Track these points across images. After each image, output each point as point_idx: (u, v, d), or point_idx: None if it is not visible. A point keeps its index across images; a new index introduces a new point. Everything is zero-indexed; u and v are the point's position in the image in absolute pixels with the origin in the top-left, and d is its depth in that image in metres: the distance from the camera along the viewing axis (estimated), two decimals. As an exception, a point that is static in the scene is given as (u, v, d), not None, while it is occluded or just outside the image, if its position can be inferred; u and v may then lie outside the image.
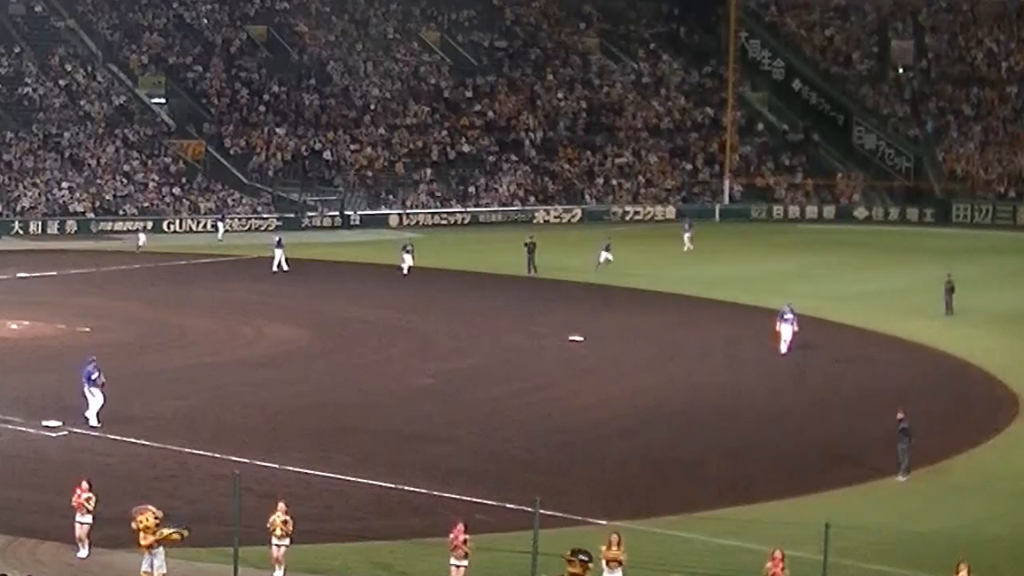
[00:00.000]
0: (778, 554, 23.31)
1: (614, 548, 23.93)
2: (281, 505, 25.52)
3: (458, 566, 24.68)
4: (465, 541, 24.50)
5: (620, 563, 23.97)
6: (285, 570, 25.33)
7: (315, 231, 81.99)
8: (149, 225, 78.54)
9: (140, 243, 72.29)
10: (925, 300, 57.75)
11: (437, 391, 42.24)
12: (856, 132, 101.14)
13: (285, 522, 25.29)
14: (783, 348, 47.50)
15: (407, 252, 65.00)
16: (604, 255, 66.07)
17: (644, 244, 79.04)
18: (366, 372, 44.89)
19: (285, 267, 65.30)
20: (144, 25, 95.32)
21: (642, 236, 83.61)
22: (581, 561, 22.49)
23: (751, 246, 75.60)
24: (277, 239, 67.34)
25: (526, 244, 66.19)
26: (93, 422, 35.90)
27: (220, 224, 79.09)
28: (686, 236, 74.94)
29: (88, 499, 26.36)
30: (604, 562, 23.74)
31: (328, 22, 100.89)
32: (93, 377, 36.28)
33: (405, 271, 64.39)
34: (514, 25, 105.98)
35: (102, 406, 36.12)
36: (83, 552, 26.54)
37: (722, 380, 44.42)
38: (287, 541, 25.40)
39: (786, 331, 47.57)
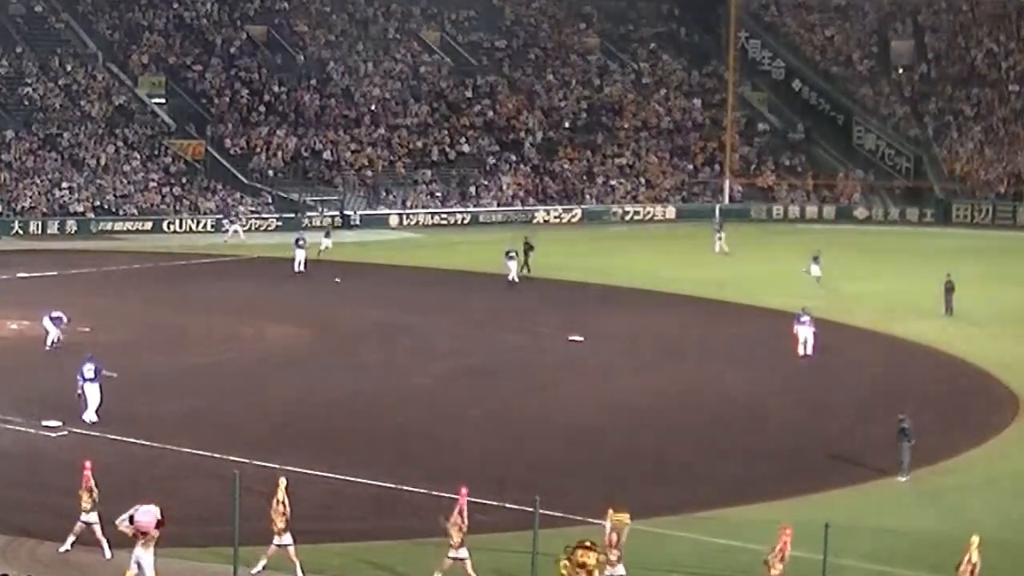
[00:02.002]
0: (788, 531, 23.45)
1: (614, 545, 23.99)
2: (283, 481, 25.58)
3: (456, 559, 24.71)
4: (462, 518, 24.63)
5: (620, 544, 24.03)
6: (302, 567, 25.45)
7: (315, 231, 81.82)
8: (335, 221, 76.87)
9: (323, 247, 69.02)
10: (925, 300, 57.75)
11: (437, 391, 42.25)
12: (856, 132, 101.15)
13: (282, 502, 25.34)
14: (800, 351, 47.36)
15: (511, 259, 62.23)
16: (814, 268, 62.48)
17: (660, 245, 79.11)
18: (366, 372, 44.90)
19: (301, 268, 64.94)
20: (144, 25, 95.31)
21: (649, 237, 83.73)
22: (588, 547, 22.67)
23: (751, 246, 75.58)
24: (296, 239, 66.96)
25: (523, 246, 66.14)
26: (92, 418, 35.88)
27: (237, 225, 79.03)
28: (717, 237, 74.72)
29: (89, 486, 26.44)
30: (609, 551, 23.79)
31: (328, 22, 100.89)
32: (88, 376, 36.23)
33: (516, 279, 61.84)
34: (514, 25, 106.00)
35: (100, 403, 36.12)
36: (65, 546, 26.63)
37: (722, 380, 44.40)
38: (288, 538, 25.45)
39: (805, 334, 47.48)
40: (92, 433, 35.27)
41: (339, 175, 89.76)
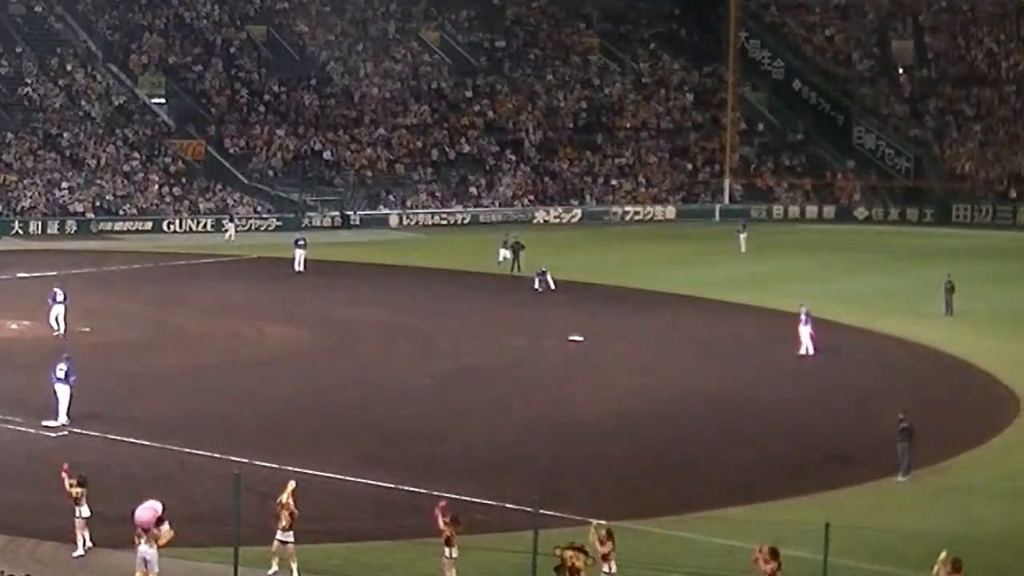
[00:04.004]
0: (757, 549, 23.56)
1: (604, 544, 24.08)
2: (292, 484, 25.68)
3: (450, 558, 24.78)
4: (450, 522, 24.64)
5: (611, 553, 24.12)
6: (298, 568, 25.48)
7: (315, 231, 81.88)
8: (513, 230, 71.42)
9: (501, 258, 67.08)
10: (925, 300, 57.76)
11: (437, 391, 42.25)
12: (856, 132, 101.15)
13: (290, 511, 25.40)
14: (802, 351, 47.45)
15: (540, 276, 60.49)
16: None
17: (660, 245, 79.07)
18: (366, 372, 44.89)
19: (301, 268, 64.95)
20: (144, 25, 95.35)
21: (650, 236, 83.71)
22: (580, 550, 22.77)
23: (751, 246, 75.57)
24: (296, 239, 66.94)
25: (513, 246, 66.26)
26: (63, 420, 35.80)
27: (229, 224, 79.21)
28: (741, 237, 74.73)
29: (72, 486, 26.44)
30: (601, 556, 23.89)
31: (328, 22, 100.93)
32: (59, 376, 36.14)
33: (538, 288, 60.29)
34: (514, 25, 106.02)
35: (70, 403, 36.04)
36: (79, 550, 26.65)
37: (722, 380, 44.37)
38: (291, 535, 25.48)
39: (804, 334, 47.59)
40: (92, 433, 35.25)
41: (339, 175, 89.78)
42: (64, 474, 26.73)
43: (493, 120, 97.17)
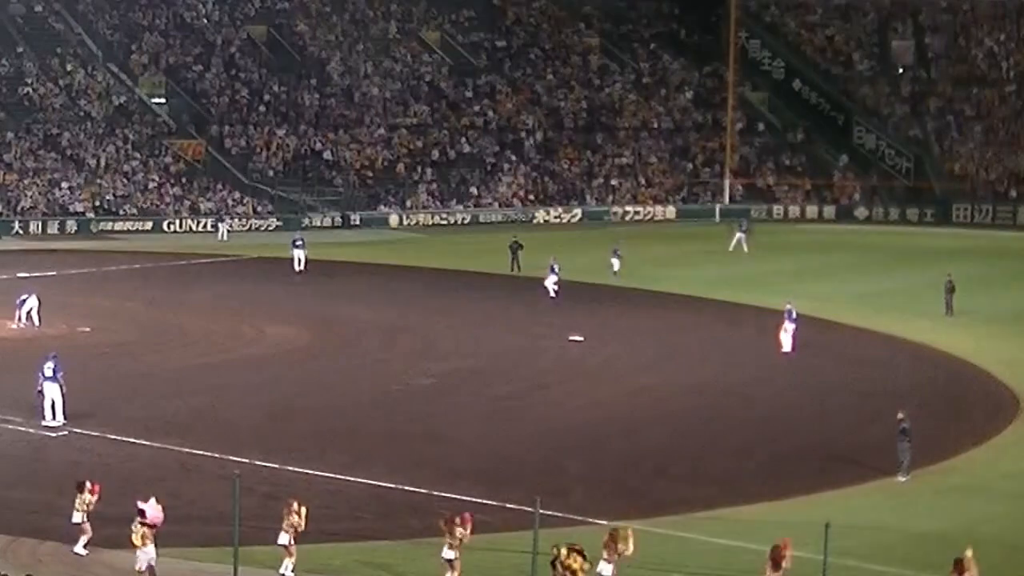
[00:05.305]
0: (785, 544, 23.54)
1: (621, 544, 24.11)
2: (298, 506, 25.69)
3: (449, 560, 24.77)
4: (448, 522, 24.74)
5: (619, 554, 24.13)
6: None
7: (315, 231, 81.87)
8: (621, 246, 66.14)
9: (615, 268, 64.25)
10: (925, 300, 57.76)
11: (437, 391, 42.26)
12: (856, 132, 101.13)
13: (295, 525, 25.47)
14: (785, 349, 47.63)
15: (553, 272, 59.13)
16: None
17: (660, 245, 79.08)
18: (366, 372, 44.90)
19: (301, 268, 64.97)
20: (144, 25, 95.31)
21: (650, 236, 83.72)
22: (577, 552, 22.81)
23: (751, 246, 75.55)
24: (293, 240, 66.88)
25: (511, 245, 66.28)
26: (60, 420, 35.78)
27: (221, 225, 79.25)
28: (738, 236, 74.62)
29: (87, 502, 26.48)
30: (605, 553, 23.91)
31: (328, 22, 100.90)
32: (47, 374, 36.12)
33: (555, 293, 58.82)
34: (514, 25, 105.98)
35: (64, 402, 36.02)
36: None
37: (722, 380, 44.41)
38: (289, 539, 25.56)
39: (788, 330, 47.72)
40: (92, 433, 35.26)
41: (339, 175, 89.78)
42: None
43: (493, 120, 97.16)
